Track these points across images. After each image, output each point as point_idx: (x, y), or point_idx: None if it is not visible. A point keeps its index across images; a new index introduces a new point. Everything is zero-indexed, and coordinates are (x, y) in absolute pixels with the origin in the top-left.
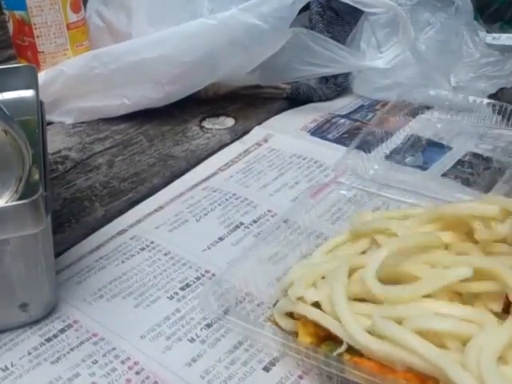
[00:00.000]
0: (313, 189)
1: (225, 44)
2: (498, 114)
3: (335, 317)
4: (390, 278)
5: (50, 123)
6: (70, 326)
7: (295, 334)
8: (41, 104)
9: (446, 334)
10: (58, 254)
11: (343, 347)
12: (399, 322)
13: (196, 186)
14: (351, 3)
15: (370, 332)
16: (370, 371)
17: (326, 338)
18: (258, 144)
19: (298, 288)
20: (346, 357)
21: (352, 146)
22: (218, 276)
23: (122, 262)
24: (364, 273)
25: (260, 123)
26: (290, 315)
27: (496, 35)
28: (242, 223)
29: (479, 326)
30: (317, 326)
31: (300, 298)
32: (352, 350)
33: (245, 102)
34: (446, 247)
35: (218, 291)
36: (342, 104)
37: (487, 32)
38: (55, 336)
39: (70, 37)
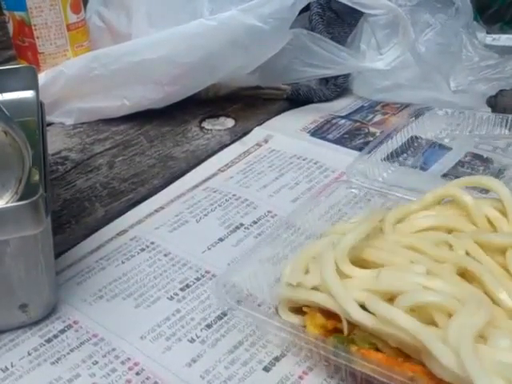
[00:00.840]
0: (315, 190)
1: (225, 45)
2: (498, 115)
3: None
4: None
5: (50, 124)
6: (70, 327)
7: (302, 328)
8: (41, 105)
9: (434, 307)
10: (58, 255)
11: (345, 329)
12: (392, 294)
13: (196, 186)
14: (351, 4)
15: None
16: (377, 363)
17: (334, 331)
18: (258, 145)
19: (295, 274)
20: (354, 348)
21: (366, 151)
22: (220, 276)
23: (122, 262)
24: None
25: (260, 124)
26: (295, 311)
27: (496, 36)
28: (242, 224)
29: (463, 303)
30: (325, 317)
31: (299, 284)
32: (360, 341)
33: (245, 103)
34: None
35: (220, 291)
36: (342, 105)
37: (487, 33)
38: (55, 337)
39: (70, 37)
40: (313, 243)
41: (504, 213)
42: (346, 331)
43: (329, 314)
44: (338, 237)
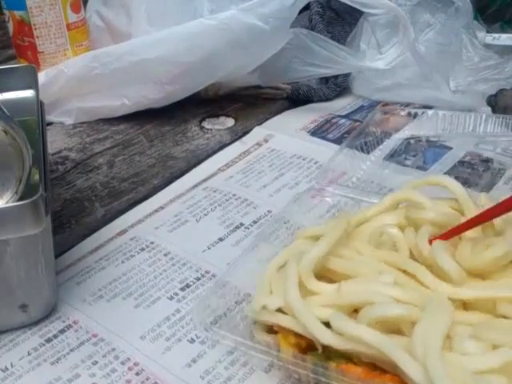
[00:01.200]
0: (312, 190)
1: (225, 44)
2: (498, 114)
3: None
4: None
5: (50, 123)
6: (69, 327)
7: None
8: (41, 104)
9: (400, 320)
10: (58, 255)
11: (318, 347)
12: (357, 307)
13: (196, 186)
14: (351, 4)
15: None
16: (357, 377)
17: (309, 349)
18: (258, 144)
19: (260, 294)
20: (332, 365)
21: (343, 146)
22: (203, 296)
23: (122, 262)
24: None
25: (260, 123)
26: (270, 329)
27: (496, 35)
28: (242, 224)
29: (422, 307)
30: (297, 336)
31: (264, 307)
32: (336, 357)
33: (245, 103)
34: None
35: (218, 292)
36: (342, 104)
37: (487, 32)
38: (55, 336)
39: (70, 37)
40: (279, 255)
41: (461, 212)
42: (320, 349)
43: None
44: (304, 246)
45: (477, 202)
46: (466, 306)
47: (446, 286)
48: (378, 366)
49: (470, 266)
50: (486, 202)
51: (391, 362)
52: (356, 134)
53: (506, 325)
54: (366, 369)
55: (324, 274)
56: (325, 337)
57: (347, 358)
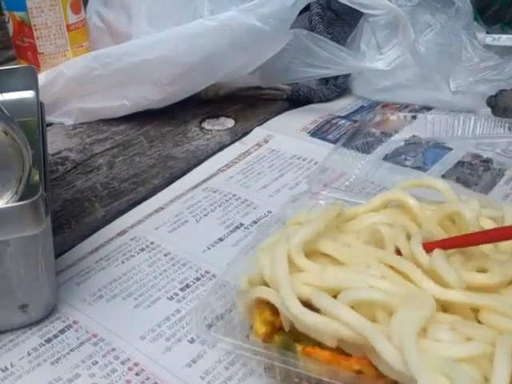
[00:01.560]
0: (312, 190)
1: (225, 45)
2: (498, 114)
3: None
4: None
5: (50, 124)
6: (69, 327)
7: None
8: (41, 105)
9: (377, 305)
10: (58, 255)
11: (285, 325)
12: (337, 293)
13: (196, 186)
14: (351, 5)
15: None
16: (323, 360)
17: (281, 329)
18: (258, 145)
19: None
20: (299, 347)
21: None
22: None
23: (122, 262)
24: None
25: (260, 124)
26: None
27: (496, 36)
28: (242, 224)
29: (404, 300)
30: (274, 315)
31: (250, 281)
32: (305, 339)
33: (245, 103)
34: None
35: (218, 292)
36: (342, 105)
37: (487, 33)
38: (55, 337)
39: (70, 38)
40: (269, 239)
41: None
42: (286, 327)
43: (278, 312)
44: (295, 228)
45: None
46: (447, 309)
47: (434, 286)
48: (343, 352)
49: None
50: (475, 206)
51: (363, 345)
52: (351, 134)
53: (483, 328)
54: (332, 353)
55: (317, 259)
56: (296, 308)
57: (315, 340)
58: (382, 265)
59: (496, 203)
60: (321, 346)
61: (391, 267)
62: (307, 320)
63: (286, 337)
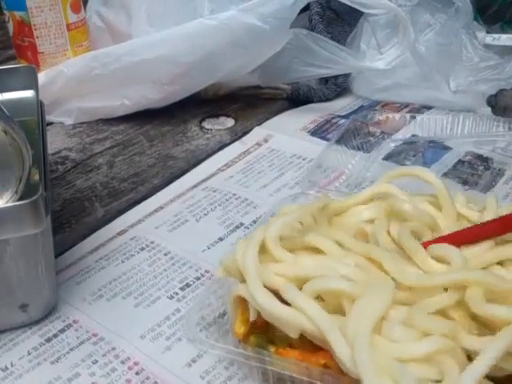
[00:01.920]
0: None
1: (225, 44)
2: (498, 114)
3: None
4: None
5: (49, 123)
6: (69, 326)
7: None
8: (41, 104)
9: (342, 294)
10: (58, 255)
11: (252, 315)
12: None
13: (196, 186)
14: (351, 4)
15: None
16: (293, 359)
17: (262, 327)
18: (258, 144)
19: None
20: (272, 349)
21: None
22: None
23: (122, 262)
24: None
25: (260, 123)
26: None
27: (496, 36)
28: (242, 223)
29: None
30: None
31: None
32: (279, 341)
33: (245, 103)
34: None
35: (218, 291)
36: (342, 104)
37: (487, 32)
38: (55, 336)
39: (69, 37)
40: (253, 231)
41: (439, 208)
42: (253, 317)
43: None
44: (274, 219)
45: (454, 199)
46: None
47: (409, 275)
48: (315, 347)
49: None
50: (462, 201)
51: (320, 337)
52: (342, 132)
53: (440, 320)
54: (302, 351)
55: (304, 253)
56: (263, 298)
57: (287, 341)
58: (359, 255)
59: (482, 198)
60: (291, 345)
61: (370, 259)
62: (273, 311)
63: (259, 339)
